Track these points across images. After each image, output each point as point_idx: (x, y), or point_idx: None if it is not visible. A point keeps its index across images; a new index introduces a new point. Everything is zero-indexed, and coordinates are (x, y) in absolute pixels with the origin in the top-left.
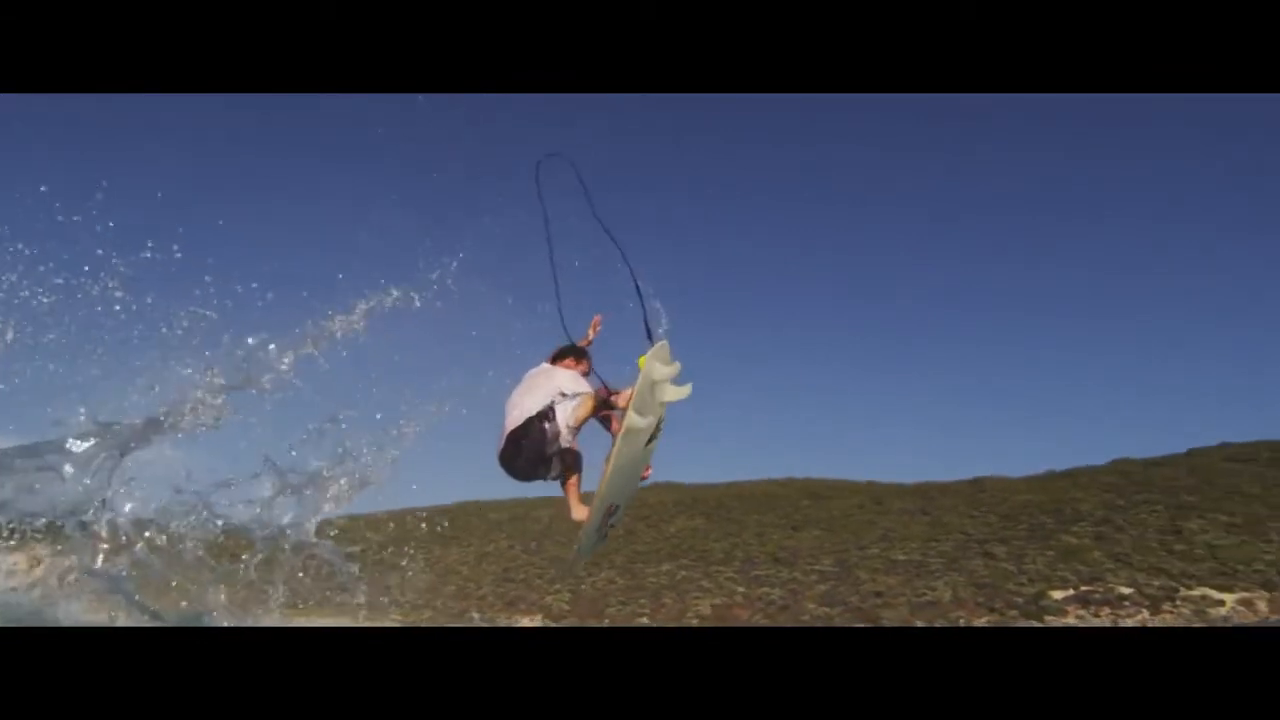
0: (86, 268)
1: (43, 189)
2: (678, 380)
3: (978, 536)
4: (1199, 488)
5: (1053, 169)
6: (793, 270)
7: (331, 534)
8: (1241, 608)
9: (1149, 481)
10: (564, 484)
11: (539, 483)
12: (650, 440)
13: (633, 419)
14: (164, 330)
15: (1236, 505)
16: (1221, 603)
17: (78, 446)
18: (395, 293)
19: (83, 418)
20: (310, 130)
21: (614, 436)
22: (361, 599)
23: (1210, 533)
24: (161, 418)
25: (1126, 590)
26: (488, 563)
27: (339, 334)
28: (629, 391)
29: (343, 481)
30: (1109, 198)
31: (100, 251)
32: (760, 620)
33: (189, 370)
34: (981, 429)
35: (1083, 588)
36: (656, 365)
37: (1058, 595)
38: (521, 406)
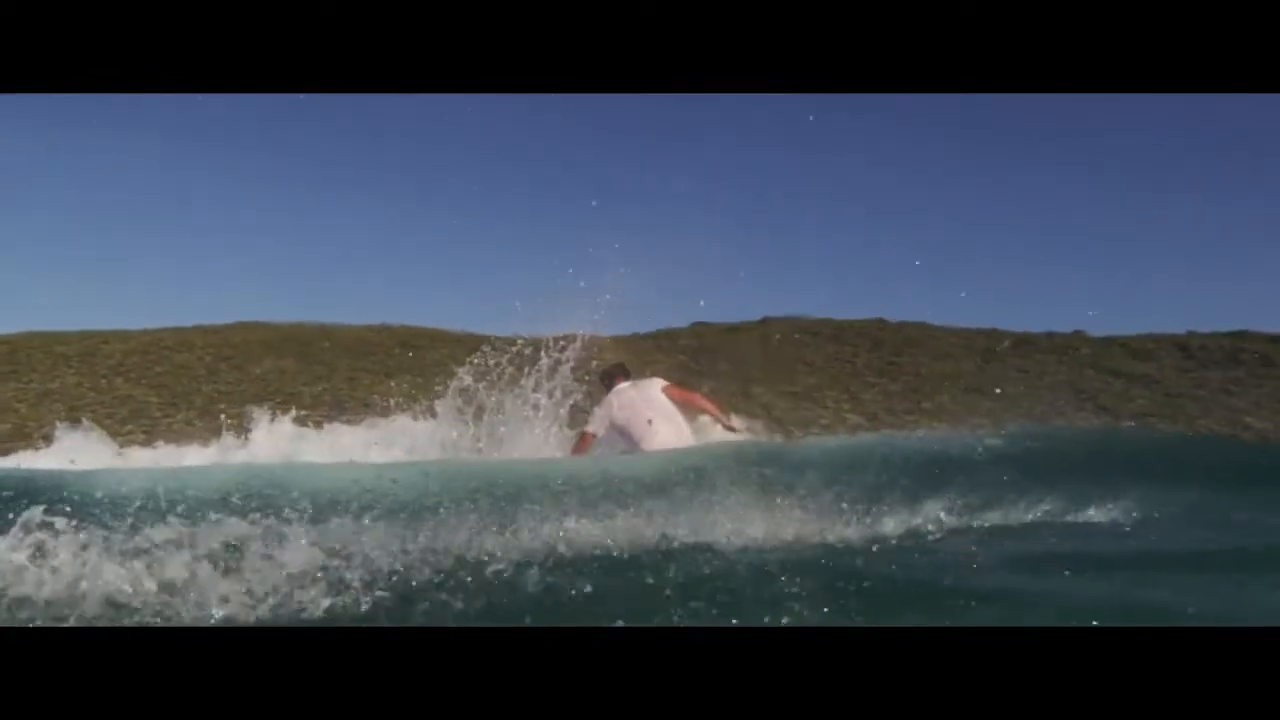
0: None
1: None
2: None
3: (566, 389)
4: (768, 356)
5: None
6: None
7: None
8: None
9: (722, 347)
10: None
11: (113, 315)
12: None
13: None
14: None
15: (800, 374)
16: None
17: None
18: None
19: None
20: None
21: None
22: None
23: (769, 397)
24: None
25: None
26: (51, 400)
27: None
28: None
29: None
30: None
31: None
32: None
33: None
34: (576, 291)
35: None
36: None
37: None
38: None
